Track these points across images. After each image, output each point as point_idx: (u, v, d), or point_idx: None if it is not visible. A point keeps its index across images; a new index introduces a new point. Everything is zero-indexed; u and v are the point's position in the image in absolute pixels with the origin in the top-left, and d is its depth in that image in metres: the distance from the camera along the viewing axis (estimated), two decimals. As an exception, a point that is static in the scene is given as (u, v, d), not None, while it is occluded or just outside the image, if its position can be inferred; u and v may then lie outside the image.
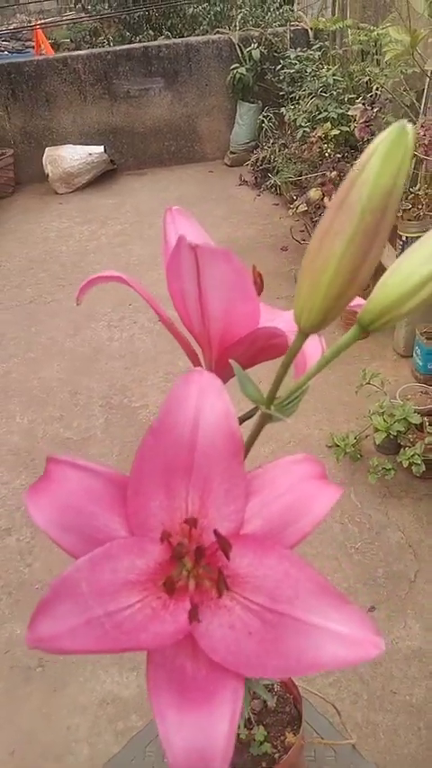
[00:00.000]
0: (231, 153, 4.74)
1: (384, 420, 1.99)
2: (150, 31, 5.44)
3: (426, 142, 2.20)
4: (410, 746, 1.48)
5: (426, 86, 2.53)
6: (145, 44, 4.71)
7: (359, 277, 0.28)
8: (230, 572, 0.35)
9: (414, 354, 2.47)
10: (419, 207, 2.37)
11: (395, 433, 1.98)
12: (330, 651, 0.30)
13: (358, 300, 0.40)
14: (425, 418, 2.04)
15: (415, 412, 2.02)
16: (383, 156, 0.25)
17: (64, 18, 7.22)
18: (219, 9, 5.26)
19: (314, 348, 0.39)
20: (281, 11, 4.95)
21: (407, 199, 2.37)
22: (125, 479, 0.36)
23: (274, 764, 0.82)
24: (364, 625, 0.30)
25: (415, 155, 2.27)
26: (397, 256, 2.65)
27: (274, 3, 5.09)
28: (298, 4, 5.46)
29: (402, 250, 2.48)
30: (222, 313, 0.39)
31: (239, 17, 4.55)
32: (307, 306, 0.30)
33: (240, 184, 4.36)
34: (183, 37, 5.12)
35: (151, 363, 2.90)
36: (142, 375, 2.84)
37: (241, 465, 0.35)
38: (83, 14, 6.33)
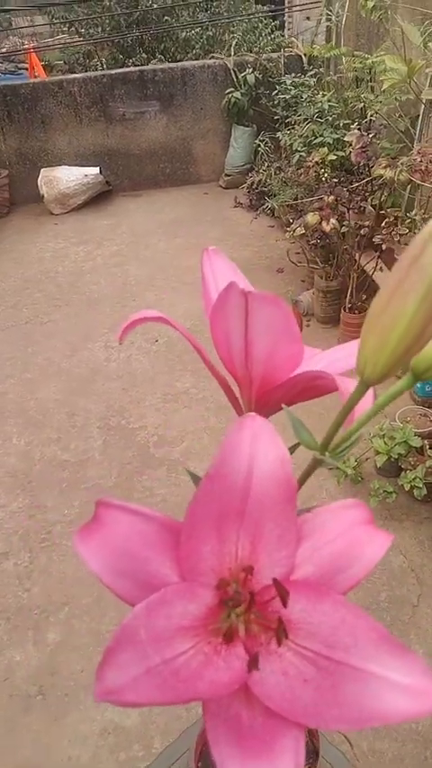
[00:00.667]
0: (226, 175, 4.80)
1: (385, 443, 2.00)
2: (143, 55, 5.51)
3: (422, 168, 2.24)
4: (417, 776, 1.46)
5: (420, 113, 2.58)
6: (141, 68, 4.78)
7: (427, 334, 0.29)
8: (283, 618, 0.35)
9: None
10: (416, 232, 2.40)
11: (396, 456, 1.98)
12: (391, 701, 0.30)
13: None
14: (425, 441, 2.05)
15: (415, 435, 2.02)
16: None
17: (56, 41, 7.32)
18: (211, 34, 5.35)
19: (365, 397, 0.40)
20: (272, 36, 5.05)
21: (404, 224, 2.41)
22: (175, 524, 0.36)
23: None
24: (426, 675, 0.30)
25: (411, 180, 2.31)
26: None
27: (266, 29, 5.19)
28: (289, 29, 5.57)
29: (399, 273, 2.50)
30: (267, 356, 0.40)
31: (233, 43, 4.63)
32: (372, 359, 0.30)
33: (235, 206, 4.40)
34: (176, 61, 5.19)
35: (149, 384, 2.90)
36: (140, 396, 2.84)
37: (294, 510, 0.35)
38: (76, 37, 6.42)
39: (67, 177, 4.56)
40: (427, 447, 2.03)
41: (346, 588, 0.35)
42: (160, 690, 0.30)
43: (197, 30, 5.39)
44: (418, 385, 2.43)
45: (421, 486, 1.93)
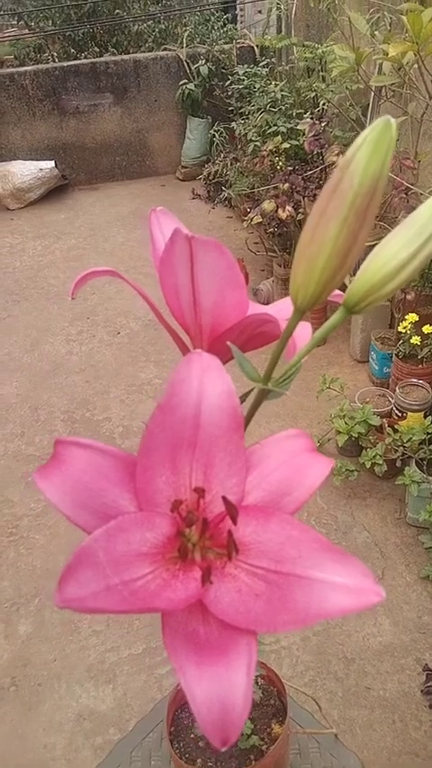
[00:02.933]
0: (183, 167, 4.80)
1: (345, 423, 2.05)
2: (95, 48, 5.46)
3: (373, 154, 2.29)
4: (386, 740, 1.51)
5: (371, 101, 2.63)
6: (93, 60, 4.74)
7: (350, 257, 0.31)
8: (235, 539, 0.37)
9: (370, 359, 2.55)
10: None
11: (356, 435, 2.03)
12: (335, 601, 0.32)
13: (337, 293, 0.43)
14: (384, 420, 2.11)
15: (374, 414, 2.08)
16: (373, 145, 0.28)
17: (6, 34, 7.18)
18: (163, 27, 5.33)
19: (303, 331, 0.42)
20: (225, 29, 5.06)
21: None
22: (130, 457, 0.38)
23: (262, 756, 0.84)
24: (365, 575, 0.32)
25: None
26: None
27: (218, 21, 5.20)
28: (241, 22, 5.59)
29: (355, 258, 2.55)
30: (214, 302, 0.42)
31: (186, 35, 4.63)
32: (303, 286, 0.32)
33: (193, 198, 4.42)
34: (128, 54, 5.16)
35: (112, 376, 2.90)
36: (104, 388, 2.83)
37: (242, 440, 0.37)
38: (26, 31, 6.31)
39: (21, 172, 4.50)
40: (386, 425, 2.08)
41: (291, 510, 0.38)
42: (120, 603, 0.32)
43: (149, 23, 5.37)
44: (376, 367, 2.49)
45: (381, 463, 1.99)
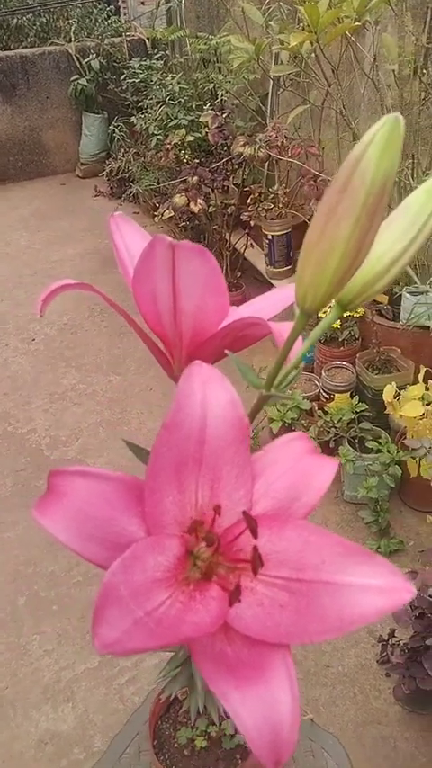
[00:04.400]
0: (82, 164, 4.68)
1: (278, 410, 2.08)
2: (-27, 44, 5.21)
3: (278, 144, 2.33)
4: (350, 713, 1.56)
5: (270, 91, 2.66)
6: (-24, 58, 4.52)
7: (360, 257, 0.30)
8: (249, 554, 0.36)
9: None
10: (280, 206, 2.50)
11: (289, 421, 2.07)
12: (368, 604, 0.32)
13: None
14: (313, 403, 2.15)
15: (304, 398, 2.12)
16: (384, 143, 0.28)
17: None
18: (44, 20, 5.15)
19: (286, 329, 0.41)
20: (109, 21, 4.96)
21: (268, 199, 2.49)
22: (134, 480, 0.36)
23: (247, 755, 0.84)
24: (393, 574, 0.32)
25: (270, 156, 2.39)
26: (265, 255, 2.75)
27: (102, 14, 5.09)
28: (125, 14, 5.50)
29: (270, 248, 2.59)
30: (195, 309, 0.40)
31: (72, 29, 4.50)
32: (312, 288, 0.31)
33: (96, 195, 4.32)
34: (9, 49, 4.95)
35: (32, 386, 2.80)
36: (24, 399, 2.73)
37: (248, 449, 0.36)
38: None
39: None
40: (316, 408, 2.13)
41: (303, 514, 0.37)
42: (151, 637, 0.30)
43: (29, 16, 5.17)
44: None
45: (315, 445, 2.03)
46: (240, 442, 0.35)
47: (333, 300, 0.37)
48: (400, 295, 2.11)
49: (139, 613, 0.31)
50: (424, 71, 1.92)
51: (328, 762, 0.99)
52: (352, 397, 2.13)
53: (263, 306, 0.45)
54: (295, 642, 0.33)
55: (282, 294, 0.45)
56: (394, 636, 1.54)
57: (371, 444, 1.92)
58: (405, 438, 1.89)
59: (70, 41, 4.42)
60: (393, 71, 1.92)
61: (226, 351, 0.36)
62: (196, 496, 0.36)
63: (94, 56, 4.23)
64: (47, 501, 0.34)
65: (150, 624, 0.31)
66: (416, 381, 1.83)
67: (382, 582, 0.32)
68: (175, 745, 0.86)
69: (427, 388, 1.75)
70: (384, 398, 1.79)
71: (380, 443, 1.91)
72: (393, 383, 1.80)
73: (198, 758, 0.85)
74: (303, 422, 2.10)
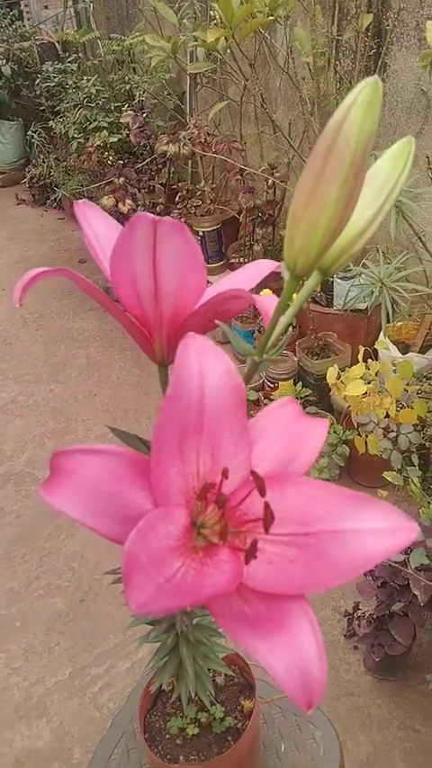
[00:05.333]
0: (1, 173, 4.57)
1: (225, 402, 2.10)
2: None
3: (202, 140, 2.35)
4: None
5: (187, 88, 2.68)
6: None
7: (347, 217, 0.32)
8: (252, 515, 0.38)
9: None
10: (208, 202, 2.52)
11: (237, 412, 2.09)
12: (376, 545, 0.34)
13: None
14: (259, 393, 2.19)
15: (250, 389, 2.15)
16: (365, 105, 0.29)
17: None
18: None
19: (272, 302, 0.43)
20: (14, 26, 4.84)
21: (195, 196, 2.51)
22: (137, 456, 0.36)
23: (239, 735, 0.85)
24: (397, 515, 0.34)
25: (194, 153, 2.41)
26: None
27: (5, 19, 4.96)
28: (29, 19, 5.39)
29: (202, 245, 2.61)
30: (176, 287, 0.41)
31: (-22, 35, 4.37)
32: (303, 251, 0.33)
33: (18, 204, 4.22)
34: None
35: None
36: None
37: (245, 415, 0.37)
38: None
39: None
40: (262, 398, 2.17)
41: (301, 473, 0.39)
42: (176, 598, 0.31)
43: None
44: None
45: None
46: (238, 408, 0.37)
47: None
48: (332, 282, 2.18)
49: (159, 579, 0.32)
50: (337, 62, 1.98)
51: (315, 733, 1.01)
52: (295, 383, 2.18)
53: (238, 280, 0.46)
54: (311, 591, 0.34)
55: (256, 268, 0.47)
56: (359, 609, 1.60)
57: (319, 427, 1.97)
58: (349, 418, 1.95)
59: (-23, 47, 4.29)
60: (308, 63, 1.97)
61: (216, 321, 0.37)
62: (198, 466, 0.37)
63: (4, 61, 4.12)
64: (54, 481, 0.34)
65: (171, 589, 0.32)
66: (354, 362, 1.90)
67: (386, 524, 0.34)
68: (167, 736, 0.87)
69: (366, 368, 1.81)
70: (328, 381, 1.84)
71: (327, 425, 1.96)
72: (335, 365, 1.85)
73: (191, 745, 0.86)
74: (252, 412, 2.12)
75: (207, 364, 0.36)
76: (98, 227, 0.48)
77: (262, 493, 0.35)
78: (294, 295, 0.36)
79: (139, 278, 0.41)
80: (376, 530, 0.34)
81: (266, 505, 0.34)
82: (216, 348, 0.36)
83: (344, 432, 1.93)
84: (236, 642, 0.32)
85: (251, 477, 0.35)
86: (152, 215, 0.36)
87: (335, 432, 1.95)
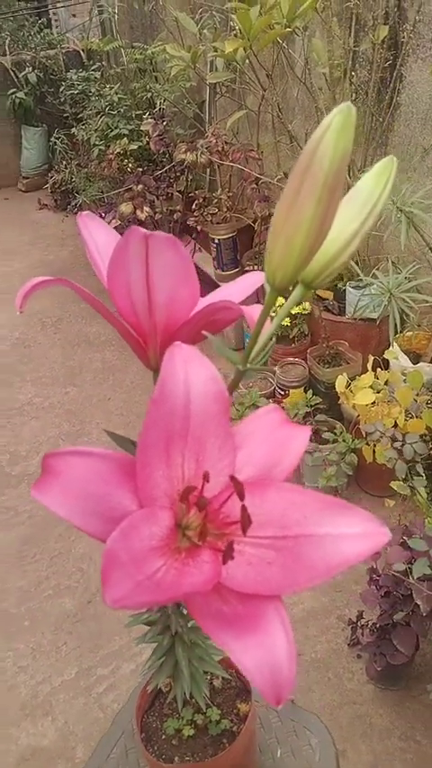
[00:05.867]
0: (24, 178, 4.64)
1: (236, 409, 2.12)
2: None
3: (219, 149, 2.37)
4: (326, 697, 1.60)
5: (207, 97, 2.72)
6: None
7: (323, 233, 0.34)
8: (234, 518, 0.39)
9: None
10: (224, 210, 2.54)
11: (248, 418, 2.11)
12: (351, 549, 0.35)
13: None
14: (270, 400, 2.20)
15: (261, 396, 2.17)
16: (339, 130, 0.31)
17: None
18: (-24, 34, 5.08)
19: (256, 312, 0.44)
20: (42, 34, 4.94)
21: (212, 204, 2.53)
22: (125, 458, 0.38)
23: (234, 738, 0.86)
24: (370, 521, 0.36)
25: (212, 161, 2.43)
26: (213, 259, 2.78)
27: (34, 27, 5.06)
28: (57, 27, 5.48)
29: (217, 252, 2.64)
30: (168, 298, 0.43)
31: (7, 42, 4.46)
32: (281, 267, 0.35)
33: (41, 208, 4.29)
34: None
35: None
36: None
37: (229, 421, 0.39)
38: None
39: None
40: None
41: (282, 479, 0.40)
42: (153, 594, 0.33)
43: (-41, 31, 5.10)
44: (253, 351, 2.59)
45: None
46: (222, 414, 0.38)
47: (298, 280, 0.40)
48: (345, 290, 2.19)
49: (139, 577, 0.34)
50: (353, 73, 2.00)
51: (311, 740, 1.02)
52: (306, 391, 2.18)
53: (231, 292, 0.47)
54: (287, 592, 0.36)
55: (248, 280, 0.48)
56: (362, 618, 1.60)
57: (327, 435, 1.98)
58: (358, 426, 1.96)
59: (5, 55, 4.38)
60: (324, 74, 1.99)
61: (203, 332, 0.39)
62: (183, 469, 0.39)
63: (31, 69, 4.20)
64: (44, 480, 0.36)
65: (151, 586, 0.34)
66: (365, 371, 1.90)
67: (360, 529, 0.35)
68: (163, 737, 0.88)
69: (376, 377, 1.82)
70: (337, 389, 1.85)
71: (335, 434, 1.97)
72: (345, 374, 1.86)
73: (186, 747, 0.87)
74: (262, 419, 2.14)
75: (192, 372, 0.37)
76: (99, 237, 0.50)
77: (241, 497, 0.36)
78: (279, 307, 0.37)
79: (134, 289, 0.43)
80: (350, 534, 0.35)
81: (243, 508, 0.36)
82: (201, 356, 0.38)
83: (352, 440, 1.93)
84: (213, 639, 0.34)
85: (231, 480, 0.36)
86: (144, 230, 0.38)
87: (343, 440, 1.95)
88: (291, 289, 0.39)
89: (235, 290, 0.47)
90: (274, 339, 0.39)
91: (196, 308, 0.45)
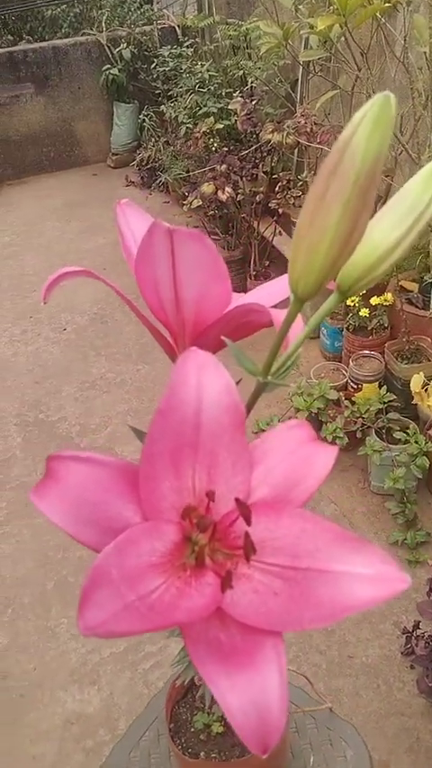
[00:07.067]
0: (114, 154, 4.70)
1: (304, 400, 2.07)
2: (9, 36, 5.25)
3: (307, 130, 2.29)
4: (373, 704, 1.55)
5: (300, 76, 2.63)
6: (9, 49, 4.56)
7: (353, 241, 0.30)
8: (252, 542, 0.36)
9: (321, 335, 2.57)
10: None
11: (316, 411, 2.05)
12: (361, 593, 0.31)
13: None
14: (341, 393, 2.14)
15: (331, 388, 2.10)
16: (372, 123, 0.27)
17: None
18: (78, 11, 5.16)
19: (297, 322, 0.41)
20: (142, 10, 4.95)
21: (296, 186, 2.46)
22: (130, 466, 0.36)
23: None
24: (387, 563, 0.32)
25: (298, 143, 2.36)
26: (293, 241, 2.75)
27: (135, 2, 5.08)
28: (158, 2, 5.48)
29: (297, 235, 2.57)
30: (197, 296, 0.40)
31: (104, 18, 4.50)
32: (304, 274, 0.31)
33: (127, 185, 4.33)
34: (44, 40, 4.98)
35: (63, 374, 2.84)
36: (55, 388, 2.77)
37: (244, 436, 0.36)
38: None
39: None
40: (343, 398, 2.11)
41: (302, 501, 0.37)
42: (140, 621, 0.31)
43: (63, 7, 5.19)
44: (328, 342, 2.52)
45: (342, 435, 2.02)
46: (236, 428, 0.35)
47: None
48: (431, 283, 2.08)
49: (130, 597, 0.32)
50: (457, 52, 1.86)
51: (347, 751, 0.98)
52: (380, 387, 2.10)
53: (267, 293, 0.44)
54: (288, 629, 0.33)
55: (283, 282, 0.45)
56: (419, 628, 1.53)
57: (398, 435, 1.90)
58: (434, 429, 1.86)
59: (101, 31, 4.42)
60: (425, 53, 1.87)
61: (222, 338, 0.36)
62: (193, 482, 0.36)
63: (125, 45, 4.22)
64: (44, 484, 0.34)
65: (142, 609, 0.32)
66: (445, 371, 1.80)
67: (374, 571, 0.32)
68: (192, 730, 0.87)
69: (456, 379, 1.72)
70: (412, 388, 1.76)
71: (408, 434, 1.88)
72: (421, 373, 1.77)
73: (214, 743, 0.86)
74: (330, 412, 2.08)
75: (206, 380, 0.35)
76: (137, 228, 0.48)
77: (247, 522, 0.33)
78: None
79: (161, 285, 0.40)
80: (363, 576, 0.32)
81: (247, 535, 0.33)
82: (217, 364, 0.35)
83: (426, 443, 1.84)
84: (197, 668, 0.31)
85: (236, 503, 0.33)
86: (167, 224, 0.35)
87: (416, 442, 1.86)
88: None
89: (271, 291, 0.44)
90: (300, 351, 0.35)
91: (229, 307, 0.42)
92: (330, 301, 0.35)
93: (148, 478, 0.35)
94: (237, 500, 0.33)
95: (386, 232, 0.32)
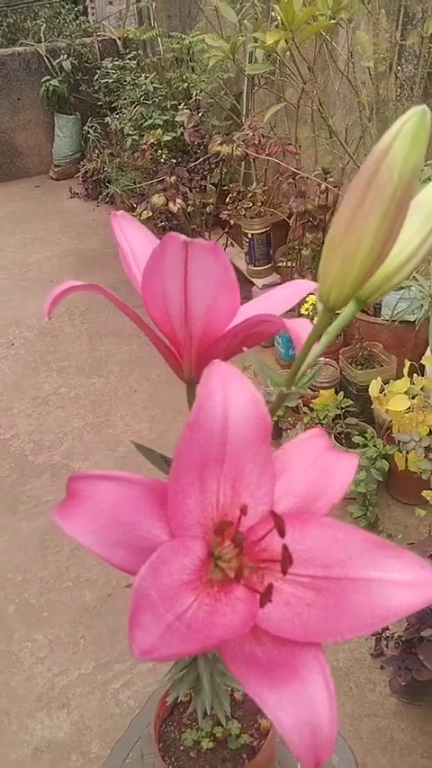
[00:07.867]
0: (56, 166, 4.64)
1: (263, 407, 2.08)
2: None
3: (255, 142, 2.33)
4: (346, 707, 1.56)
5: (245, 89, 2.67)
6: None
7: (387, 251, 0.30)
8: (271, 553, 0.36)
9: (275, 343, 2.60)
10: (259, 205, 2.50)
11: (276, 419, 2.07)
12: (399, 598, 0.32)
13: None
14: (299, 400, 2.16)
15: (289, 395, 2.13)
16: (411, 137, 0.28)
17: None
18: (11, 20, 5.08)
19: (304, 328, 0.41)
20: (78, 22, 4.91)
21: (246, 198, 2.49)
22: (155, 483, 0.35)
23: (254, 754, 0.84)
24: (423, 567, 0.32)
25: (247, 154, 2.39)
26: (245, 254, 2.74)
27: (70, 14, 5.04)
28: (93, 15, 5.46)
29: (249, 247, 2.60)
30: (207, 309, 0.40)
31: (42, 29, 4.45)
32: (337, 284, 0.31)
33: (72, 197, 4.28)
34: (-25, 51, 4.87)
35: (13, 391, 2.76)
36: (6, 405, 2.69)
37: (270, 447, 0.36)
38: None
39: None
40: (302, 405, 2.14)
41: (326, 511, 0.37)
42: (184, 642, 0.30)
43: (-5, 16, 5.10)
44: (282, 350, 2.55)
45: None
46: (262, 440, 0.35)
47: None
48: (381, 290, 2.13)
49: (169, 617, 0.31)
50: (399, 67, 1.93)
51: (332, 758, 0.99)
52: (336, 393, 2.14)
53: (272, 302, 0.44)
54: (328, 640, 0.33)
55: (290, 290, 0.45)
56: (387, 629, 1.56)
57: (357, 439, 1.93)
58: (390, 432, 1.91)
59: (40, 42, 4.37)
60: (368, 68, 1.93)
61: (244, 348, 0.36)
62: (218, 497, 0.36)
63: (65, 56, 4.18)
64: (68, 505, 0.33)
65: (181, 628, 0.31)
66: (399, 376, 1.85)
67: (411, 576, 0.32)
68: (181, 748, 0.86)
69: (411, 382, 1.77)
70: (370, 393, 1.80)
71: (366, 438, 1.92)
72: (378, 378, 1.81)
73: (204, 759, 0.85)
74: (290, 419, 2.10)
75: (232, 394, 0.34)
76: (134, 240, 0.47)
77: (281, 533, 0.33)
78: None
79: (170, 298, 0.40)
80: (400, 581, 0.32)
81: (284, 548, 0.33)
82: (242, 377, 0.35)
83: (384, 446, 1.88)
84: (244, 688, 0.31)
85: (271, 515, 0.33)
86: (184, 236, 0.35)
87: (374, 446, 1.90)
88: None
89: (277, 298, 0.44)
90: (322, 361, 0.35)
91: (236, 319, 0.42)
92: (348, 310, 0.35)
93: (176, 494, 0.34)
94: (272, 512, 0.33)
95: (405, 241, 0.33)
